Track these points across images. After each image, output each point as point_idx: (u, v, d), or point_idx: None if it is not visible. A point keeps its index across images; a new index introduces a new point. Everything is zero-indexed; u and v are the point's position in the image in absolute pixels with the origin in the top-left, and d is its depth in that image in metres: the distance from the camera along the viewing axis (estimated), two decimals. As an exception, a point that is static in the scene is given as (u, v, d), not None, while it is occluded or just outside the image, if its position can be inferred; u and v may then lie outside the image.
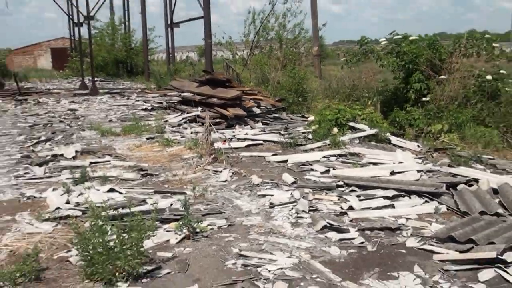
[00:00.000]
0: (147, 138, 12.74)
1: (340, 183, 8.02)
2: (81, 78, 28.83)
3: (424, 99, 12.41)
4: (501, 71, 12.55)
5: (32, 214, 6.86)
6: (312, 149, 10.87)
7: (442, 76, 12.43)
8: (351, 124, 12.08)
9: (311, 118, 12.79)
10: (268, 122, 14.92)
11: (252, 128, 13.90)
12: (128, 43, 37.58)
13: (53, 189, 7.91)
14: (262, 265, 5.15)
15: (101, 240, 4.92)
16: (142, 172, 9.10)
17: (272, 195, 7.52)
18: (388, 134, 11.52)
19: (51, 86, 31.20)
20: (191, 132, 13.65)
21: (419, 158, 9.76)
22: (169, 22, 29.75)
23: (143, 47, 33.88)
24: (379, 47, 14.04)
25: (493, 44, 12.96)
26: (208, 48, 23.30)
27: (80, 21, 29.00)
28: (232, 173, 8.92)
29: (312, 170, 9.09)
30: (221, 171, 9.03)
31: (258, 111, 15.65)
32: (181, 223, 6.00)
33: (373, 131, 11.39)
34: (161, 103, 19.85)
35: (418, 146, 10.92)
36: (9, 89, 27.45)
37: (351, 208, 6.86)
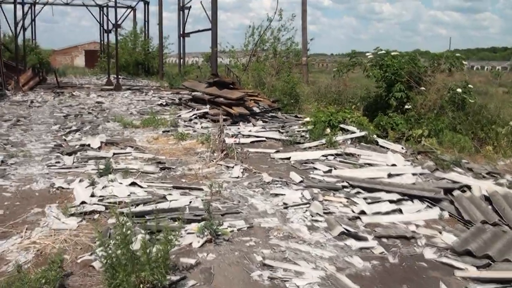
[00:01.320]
0: (163, 131, 11.46)
1: (345, 183, 6.83)
2: (108, 76, 27.37)
3: (406, 106, 11.23)
4: (469, 86, 11.43)
5: (59, 207, 5.64)
6: (310, 148, 9.68)
7: (422, 88, 11.25)
8: (342, 126, 10.90)
9: (307, 119, 11.54)
10: (266, 120, 13.69)
11: (254, 125, 12.67)
12: (147, 48, 36.07)
13: (80, 181, 6.65)
14: (289, 279, 3.97)
15: (125, 251, 3.71)
16: (160, 166, 7.83)
17: (284, 194, 6.30)
18: (375, 136, 10.35)
19: (83, 81, 29.76)
20: (201, 127, 12.41)
21: (408, 160, 8.59)
22: (181, 33, 28.27)
23: (159, 52, 32.52)
24: (366, 60, 12.82)
25: (463, 62, 11.80)
26: (214, 55, 22.04)
27: (109, 29, 27.58)
28: (243, 169, 7.69)
29: (315, 169, 7.87)
30: (233, 167, 7.79)
31: (257, 110, 14.39)
32: (202, 224, 4.80)
33: (362, 133, 10.21)
34: (174, 99, 18.48)
35: (402, 148, 9.77)
36: (50, 83, 26.16)
37: (363, 212, 5.67)
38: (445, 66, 11.56)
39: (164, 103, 17.74)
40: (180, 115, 14.17)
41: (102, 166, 7.15)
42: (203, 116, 13.95)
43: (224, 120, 13.07)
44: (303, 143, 10.07)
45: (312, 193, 6.32)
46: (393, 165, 8.10)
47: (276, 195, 6.30)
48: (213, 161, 8.20)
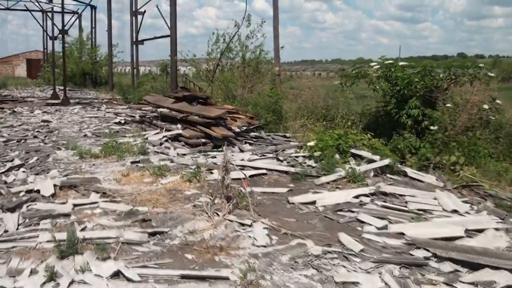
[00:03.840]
0: (132, 162, 8.97)
1: (424, 252, 4.72)
2: (53, 88, 24.10)
3: (431, 127, 9.28)
4: (496, 101, 9.70)
5: None
6: (328, 183, 7.55)
7: (448, 105, 9.38)
8: (353, 151, 8.89)
9: (310, 143, 9.35)
10: (251, 142, 11.44)
11: (241, 150, 10.39)
12: (94, 56, 33.02)
13: (31, 272, 4.16)
14: None
15: None
16: (146, 228, 5.41)
17: (358, 282, 4.09)
18: (398, 164, 8.37)
19: (26, 94, 26.23)
20: (178, 154, 9.95)
21: (466, 202, 6.61)
22: (134, 40, 25.51)
23: (109, 61, 29.60)
24: (371, 71, 10.84)
25: (489, 74, 10.00)
26: (173, 64, 19.67)
27: (55, 35, 24.49)
28: (267, 229, 5.43)
29: (361, 222, 5.71)
30: (250, 225, 5.50)
31: (237, 129, 12.12)
32: None
33: (386, 161, 8.19)
34: (134, 116, 15.86)
35: (437, 179, 7.84)
36: (-11, 96, 22.95)
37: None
38: (465, 78, 9.73)
39: (123, 121, 15.08)
40: (146, 137, 11.63)
41: (62, 236, 4.69)
42: (176, 138, 11.51)
43: (204, 144, 10.79)
44: (316, 176, 7.92)
45: (395, 277, 4.15)
46: (454, 211, 6.11)
47: (344, 283, 4.09)
48: (218, 214, 5.87)
